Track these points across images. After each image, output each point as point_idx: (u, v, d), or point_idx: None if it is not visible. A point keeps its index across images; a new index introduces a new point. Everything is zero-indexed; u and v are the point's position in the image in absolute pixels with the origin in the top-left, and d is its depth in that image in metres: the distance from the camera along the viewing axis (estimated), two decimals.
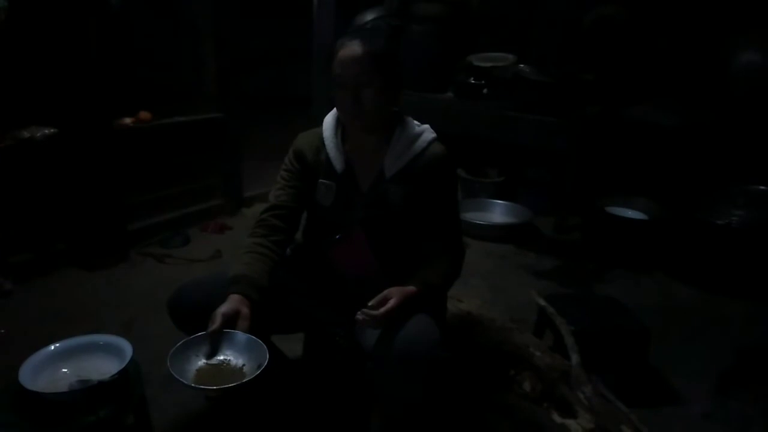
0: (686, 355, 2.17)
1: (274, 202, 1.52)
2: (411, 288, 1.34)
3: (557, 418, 1.66)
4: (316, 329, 1.66)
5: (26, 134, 2.43)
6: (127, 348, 1.38)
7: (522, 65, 3.45)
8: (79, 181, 2.61)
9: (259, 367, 1.24)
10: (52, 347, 1.40)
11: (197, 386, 1.21)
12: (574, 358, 1.74)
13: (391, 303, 1.28)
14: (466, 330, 1.88)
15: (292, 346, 1.97)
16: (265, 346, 1.29)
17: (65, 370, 1.37)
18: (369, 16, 3.78)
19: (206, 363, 1.30)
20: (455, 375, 1.76)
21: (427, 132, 1.50)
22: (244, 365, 1.29)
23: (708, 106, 3.15)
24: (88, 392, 1.28)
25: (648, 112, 3.25)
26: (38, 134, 2.45)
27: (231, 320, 1.31)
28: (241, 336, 1.31)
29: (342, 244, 1.49)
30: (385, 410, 1.38)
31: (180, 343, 1.29)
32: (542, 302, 2.00)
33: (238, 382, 1.21)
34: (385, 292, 1.31)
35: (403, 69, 1.45)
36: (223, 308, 1.32)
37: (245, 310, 1.33)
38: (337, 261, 1.51)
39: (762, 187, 2.87)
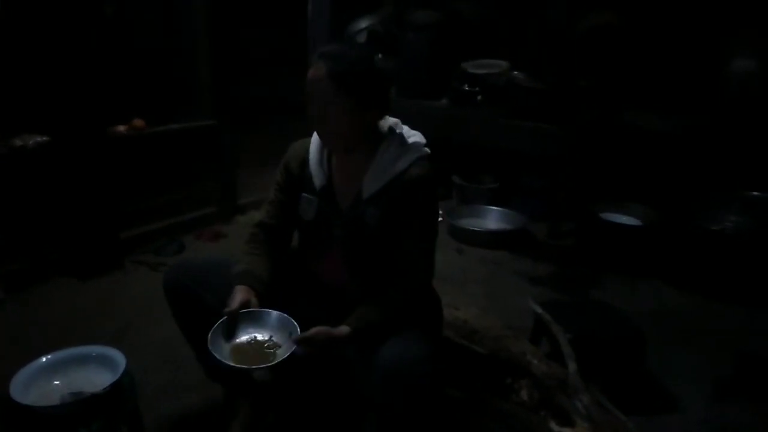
0: (682, 361, 2.16)
1: (265, 220, 1.54)
2: (341, 329, 1.29)
3: (555, 426, 1.65)
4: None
5: (18, 142, 2.42)
6: (120, 359, 1.37)
7: (516, 72, 3.47)
8: (73, 189, 2.59)
9: (290, 334, 1.30)
10: (44, 359, 1.39)
11: (258, 366, 1.25)
12: (571, 366, 1.73)
13: (311, 349, 1.27)
14: (462, 338, 1.87)
15: None
16: (288, 316, 1.34)
17: (57, 382, 1.37)
18: (363, 24, 3.79)
19: (235, 344, 1.32)
20: (451, 384, 1.75)
21: (412, 151, 1.42)
22: (271, 337, 1.34)
23: (702, 112, 3.17)
24: (80, 405, 1.28)
25: (642, 118, 3.25)
26: (30, 142, 2.44)
27: (243, 308, 1.35)
28: (257, 312, 1.36)
29: (320, 260, 1.52)
30: (376, 417, 1.37)
31: (211, 332, 1.29)
32: (539, 310, 1.99)
33: (289, 353, 1.25)
34: (312, 331, 1.28)
35: (381, 86, 1.38)
36: (238, 297, 1.35)
37: (255, 300, 1.38)
38: (317, 273, 1.54)
39: (756, 193, 2.88)
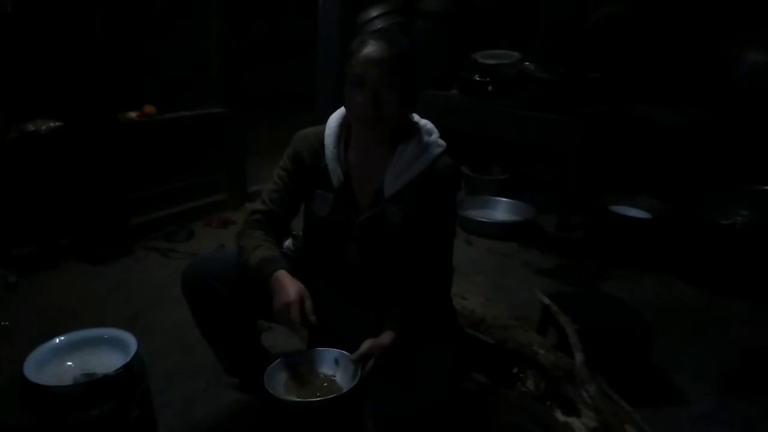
0: (689, 354, 2.16)
1: (266, 207, 1.45)
2: (387, 337, 1.29)
3: (560, 416, 1.65)
4: (322, 323, 1.66)
5: (31, 127, 2.43)
6: (132, 342, 1.38)
7: (527, 63, 3.45)
8: (84, 174, 2.61)
9: (336, 361, 1.31)
10: (57, 340, 1.40)
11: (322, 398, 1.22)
12: (578, 357, 1.73)
13: (372, 363, 1.26)
14: (469, 327, 1.88)
15: (297, 341, 1.97)
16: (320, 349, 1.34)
17: (70, 363, 1.38)
18: (374, 12, 3.77)
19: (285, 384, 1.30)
20: (459, 373, 1.76)
21: (434, 146, 1.39)
22: (316, 371, 1.33)
23: (713, 106, 3.15)
24: (92, 386, 1.28)
25: (653, 111, 3.24)
26: (43, 127, 2.46)
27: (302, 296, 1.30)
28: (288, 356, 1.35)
29: (336, 256, 1.48)
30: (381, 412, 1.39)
31: (267, 378, 1.27)
32: (546, 300, 1.99)
33: (360, 373, 1.23)
34: (364, 347, 1.26)
35: (421, 68, 1.34)
36: (291, 287, 1.28)
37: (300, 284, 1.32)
38: (333, 268, 1.51)
39: (766, 187, 2.86)
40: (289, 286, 1.27)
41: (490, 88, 3.53)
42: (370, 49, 1.26)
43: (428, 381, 1.28)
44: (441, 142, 1.42)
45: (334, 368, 1.32)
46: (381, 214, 1.39)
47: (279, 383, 1.27)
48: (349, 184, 1.41)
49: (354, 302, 1.48)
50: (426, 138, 1.39)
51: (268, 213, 1.45)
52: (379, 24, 3.71)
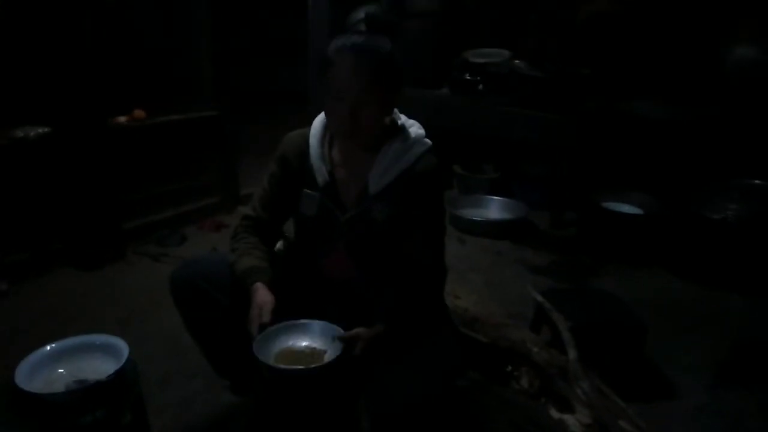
0: (682, 349, 2.17)
1: (255, 214, 1.49)
2: (377, 328, 1.30)
3: (555, 413, 1.66)
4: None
5: (20, 134, 2.42)
6: (124, 348, 1.37)
7: (517, 61, 3.46)
8: (74, 180, 2.59)
9: (333, 339, 1.30)
10: (48, 348, 1.38)
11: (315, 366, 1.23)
12: (572, 354, 1.74)
13: (359, 349, 1.27)
14: (463, 326, 1.88)
15: None
16: (328, 323, 1.34)
17: (61, 370, 1.36)
18: (364, 13, 3.76)
19: (274, 353, 1.31)
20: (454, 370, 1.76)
21: (418, 145, 1.40)
22: (308, 344, 1.34)
23: (704, 100, 3.15)
24: (84, 393, 1.27)
25: (644, 107, 3.24)
26: (32, 133, 2.44)
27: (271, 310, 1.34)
28: (293, 324, 1.36)
29: (325, 257, 1.49)
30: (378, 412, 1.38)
31: (255, 342, 1.29)
32: (539, 298, 2.00)
33: (339, 353, 1.25)
34: (353, 332, 1.29)
35: (402, 71, 1.33)
36: (261, 298, 1.33)
37: (273, 298, 1.36)
38: (322, 269, 1.51)
39: (758, 181, 2.87)
40: (257, 300, 1.33)
41: (480, 86, 3.53)
42: (348, 63, 1.25)
43: (423, 377, 1.27)
44: (426, 141, 1.42)
45: (326, 342, 1.33)
46: (366, 212, 1.40)
47: (269, 352, 1.29)
48: (334, 183, 1.42)
49: (345, 298, 1.48)
50: (411, 137, 1.40)
51: (257, 220, 1.49)
52: (366, 24, 3.70)
